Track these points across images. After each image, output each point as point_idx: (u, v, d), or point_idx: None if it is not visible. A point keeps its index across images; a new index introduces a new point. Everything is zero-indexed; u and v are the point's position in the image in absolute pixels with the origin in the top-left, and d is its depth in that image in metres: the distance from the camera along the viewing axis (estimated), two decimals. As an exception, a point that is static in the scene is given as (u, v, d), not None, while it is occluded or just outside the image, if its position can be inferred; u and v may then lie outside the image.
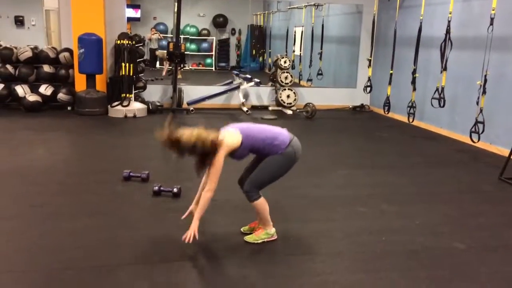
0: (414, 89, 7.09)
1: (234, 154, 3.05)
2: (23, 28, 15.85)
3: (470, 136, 5.92)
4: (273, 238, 3.26)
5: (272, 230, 3.26)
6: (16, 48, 8.03)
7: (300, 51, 11.41)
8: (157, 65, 14.98)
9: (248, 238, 3.25)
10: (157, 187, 4.05)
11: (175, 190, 4.04)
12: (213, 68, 15.86)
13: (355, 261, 3.07)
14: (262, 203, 3.17)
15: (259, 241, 3.22)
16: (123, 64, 7.68)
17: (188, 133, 2.97)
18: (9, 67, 7.84)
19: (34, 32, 15.43)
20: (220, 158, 2.96)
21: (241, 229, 3.39)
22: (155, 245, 3.16)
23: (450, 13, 6.29)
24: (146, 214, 3.68)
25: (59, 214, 3.61)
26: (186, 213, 3.33)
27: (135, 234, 3.30)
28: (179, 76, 10.87)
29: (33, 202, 3.84)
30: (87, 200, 3.95)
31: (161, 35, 14.61)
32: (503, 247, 3.37)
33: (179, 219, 3.53)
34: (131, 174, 4.44)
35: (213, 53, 15.97)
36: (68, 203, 3.86)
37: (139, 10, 15.05)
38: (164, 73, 11.83)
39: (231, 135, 3.03)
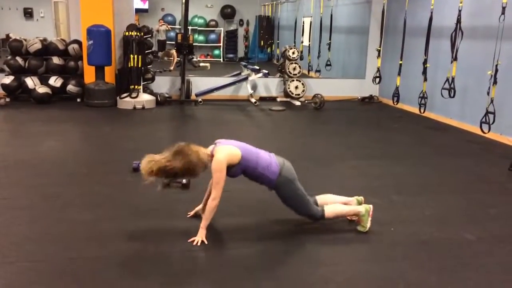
0: (425, 80, 7.03)
1: (229, 170, 3.07)
2: (32, 20, 15.93)
3: (481, 127, 5.87)
4: (371, 212, 3.30)
5: (361, 209, 3.30)
6: (25, 40, 8.07)
7: (309, 41, 11.35)
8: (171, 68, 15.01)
9: (360, 229, 3.30)
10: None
11: (184, 181, 4.04)
12: (221, 60, 15.86)
13: (364, 251, 3.08)
14: (329, 214, 3.28)
15: (368, 225, 3.28)
16: (131, 56, 7.70)
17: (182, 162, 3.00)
18: (19, 59, 7.88)
19: (43, 24, 15.51)
20: (222, 167, 3.01)
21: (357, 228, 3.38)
22: (166, 235, 3.18)
23: (461, 2, 6.22)
24: (156, 205, 3.70)
25: (70, 205, 3.64)
26: (192, 212, 3.41)
27: (146, 224, 3.33)
28: (208, 67, 10.89)
29: (45, 192, 3.88)
30: (98, 190, 3.98)
31: (169, 26, 14.61)
32: (513, 238, 3.35)
33: (188, 210, 3.57)
34: (140, 165, 4.45)
35: (221, 44, 15.96)
36: (79, 193, 3.89)
37: (147, 1, 15.06)
38: (172, 67, 11.82)
39: (231, 150, 3.08)
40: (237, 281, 2.67)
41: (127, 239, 3.10)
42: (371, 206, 3.34)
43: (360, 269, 2.84)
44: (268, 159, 3.20)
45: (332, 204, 3.35)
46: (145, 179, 2.99)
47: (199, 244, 3.01)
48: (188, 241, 3.03)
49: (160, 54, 13.47)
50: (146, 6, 15.04)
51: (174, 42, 13.41)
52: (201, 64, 12.05)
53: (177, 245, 3.04)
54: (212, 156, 3.05)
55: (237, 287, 2.62)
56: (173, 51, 11.89)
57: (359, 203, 3.45)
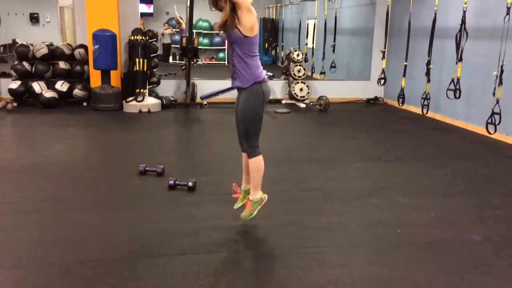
0: (429, 81, 7.03)
1: (235, 30, 3.01)
2: (38, 25, 16.03)
3: (487, 128, 5.86)
4: (264, 202, 3.27)
5: (260, 193, 3.26)
6: (32, 45, 8.13)
7: (313, 43, 11.36)
8: (170, 59, 15.06)
9: (243, 216, 3.26)
10: (172, 181, 4.10)
11: (190, 184, 4.07)
12: (226, 62, 15.88)
13: (371, 253, 3.08)
14: (259, 161, 3.21)
15: (254, 213, 3.24)
16: (137, 60, 7.75)
17: None
18: (25, 64, 7.95)
19: (49, 28, 15.59)
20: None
21: (234, 207, 3.40)
22: (172, 237, 3.20)
23: (465, 3, 6.21)
24: (162, 208, 3.72)
25: (77, 208, 3.67)
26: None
27: (152, 227, 3.35)
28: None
29: (53, 196, 3.91)
30: (105, 194, 4.01)
31: (173, 30, 14.66)
32: (520, 239, 3.34)
33: (194, 212, 3.59)
34: (146, 168, 4.49)
35: (226, 47, 15.98)
36: (86, 197, 3.92)
37: (152, 5, 15.13)
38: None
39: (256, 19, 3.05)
40: (243, 284, 2.68)
41: (135, 242, 3.12)
42: (266, 195, 3.29)
43: (367, 271, 2.84)
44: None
45: (263, 163, 3.25)
46: None
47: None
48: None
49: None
50: (151, 10, 15.12)
51: (177, 46, 13.47)
52: None
53: (185, 247, 3.06)
54: None
55: (244, 290, 2.63)
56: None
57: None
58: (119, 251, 3.00)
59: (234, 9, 3.00)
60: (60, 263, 2.84)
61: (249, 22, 2.99)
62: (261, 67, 3.18)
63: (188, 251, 3.02)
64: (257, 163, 3.21)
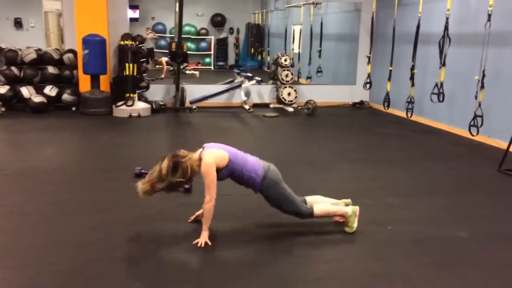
0: (413, 85, 7.24)
1: (217, 173, 3.20)
2: (22, 30, 15.92)
3: (469, 130, 6.08)
4: (358, 212, 3.43)
5: (348, 210, 3.41)
6: (20, 50, 8.14)
7: (299, 49, 11.55)
8: (162, 76, 15.09)
9: (347, 231, 3.41)
10: (169, 183, 4.18)
11: (186, 186, 4.16)
12: (212, 67, 16.00)
13: (364, 249, 3.22)
14: (317, 213, 3.39)
15: (355, 225, 3.40)
16: (127, 65, 7.81)
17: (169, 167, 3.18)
18: (14, 69, 7.95)
19: (33, 33, 15.50)
20: (212, 170, 3.14)
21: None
22: (173, 237, 3.30)
23: (448, 10, 6.44)
24: (161, 209, 3.81)
25: (77, 210, 3.74)
26: (193, 217, 3.52)
27: (153, 227, 3.45)
28: (197, 75, 10.88)
29: (50, 199, 3.97)
30: (102, 196, 4.09)
31: (156, 34, 14.74)
32: (504, 235, 3.52)
33: (191, 213, 3.69)
34: (142, 171, 4.57)
35: (212, 52, 16.11)
36: (84, 199, 3.99)
37: (138, 11, 15.17)
38: (163, 75, 11.76)
39: (219, 153, 3.22)
40: (243, 278, 2.79)
41: (137, 242, 3.22)
42: (357, 207, 3.47)
43: (362, 265, 2.98)
44: (255, 162, 3.33)
45: (321, 203, 3.47)
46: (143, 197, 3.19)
47: (202, 245, 3.13)
48: (193, 243, 3.15)
49: (149, 65, 13.39)
50: (136, 15, 15.15)
51: (163, 51, 13.51)
52: (187, 72, 11.92)
53: (182, 246, 3.17)
54: (200, 160, 3.18)
55: (243, 285, 2.74)
56: (162, 59, 11.92)
57: (346, 205, 3.56)
58: (122, 250, 3.09)
59: None
60: (65, 262, 2.91)
61: (213, 174, 3.16)
62: (257, 165, 3.30)
63: (190, 249, 3.12)
64: (320, 216, 3.42)
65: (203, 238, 3.17)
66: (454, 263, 3.05)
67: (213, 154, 3.19)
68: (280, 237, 3.34)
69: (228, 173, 3.24)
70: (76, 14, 7.88)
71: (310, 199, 3.52)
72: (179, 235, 3.33)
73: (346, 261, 3.03)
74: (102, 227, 3.43)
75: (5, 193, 4.11)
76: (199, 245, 3.13)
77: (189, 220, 3.52)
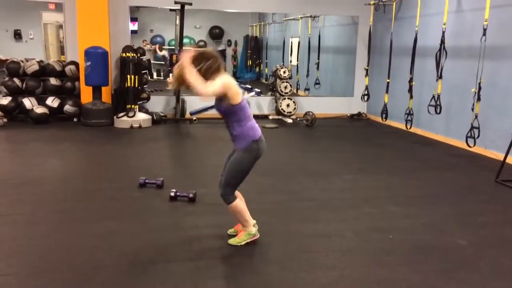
0: (411, 97, 7.37)
1: (222, 102, 3.15)
2: (21, 42, 16.02)
3: (466, 141, 6.20)
4: (255, 238, 3.40)
5: (253, 230, 3.40)
6: (22, 61, 8.23)
7: (297, 61, 11.70)
8: (155, 76, 15.23)
9: (231, 242, 3.40)
10: (173, 193, 4.26)
11: (190, 195, 4.24)
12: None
13: (367, 257, 3.30)
14: (237, 206, 3.32)
15: (242, 243, 3.37)
16: (128, 76, 7.91)
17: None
18: (16, 80, 8.03)
19: (32, 45, 15.59)
20: (226, 81, 3.08)
21: (228, 232, 3.54)
22: (180, 244, 3.37)
23: (444, 24, 6.60)
24: (166, 217, 3.89)
25: (83, 219, 3.81)
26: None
27: (160, 235, 3.51)
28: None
29: (57, 208, 4.04)
30: (108, 205, 4.15)
31: (153, 46, 14.89)
32: (502, 243, 3.61)
33: (197, 221, 3.77)
34: (146, 181, 4.65)
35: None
36: (90, 208, 4.05)
37: (136, 23, 15.31)
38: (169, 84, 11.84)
39: (238, 89, 3.18)
40: (247, 286, 2.86)
41: (146, 249, 3.28)
42: (258, 234, 3.42)
43: (365, 273, 3.05)
44: (258, 126, 3.33)
45: (243, 204, 3.40)
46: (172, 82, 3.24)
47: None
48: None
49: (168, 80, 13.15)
50: (135, 27, 15.28)
51: (161, 63, 13.62)
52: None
53: (186, 254, 3.24)
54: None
55: (253, 291, 2.82)
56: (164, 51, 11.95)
57: (253, 226, 3.46)
58: (131, 257, 3.15)
59: None
60: (75, 269, 2.98)
61: (231, 94, 3.12)
62: (256, 125, 3.29)
63: (196, 257, 3.19)
64: (235, 209, 3.33)
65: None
66: (454, 270, 3.13)
67: (234, 82, 3.16)
68: (282, 246, 3.41)
69: (233, 110, 3.17)
70: (79, 26, 8.00)
71: (239, 193, 3.43)
72: (184, 244, 3.39)
73: (348, 268, 3.10)
74: (108, 235, 3.49)
75: (13, 202, 4.17)
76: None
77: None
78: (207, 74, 3.10)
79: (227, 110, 3.19)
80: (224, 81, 3.09)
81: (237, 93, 3.15)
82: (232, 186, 3.31)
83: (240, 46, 16.67)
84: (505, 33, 6.11)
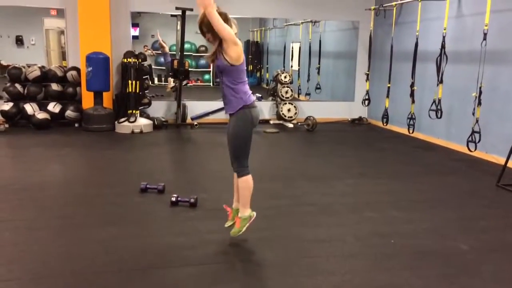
0: (413, 102, 7.38)
1: (224, 57, 3.19)
2: (23, 48, 16.08)
3: (467, 146, 6.19)
4: (253, 219, 3.44)
5: (248, 211, 3.43)
6: (24, 67, 8.26)
7: (298, 66, 11.72)
8: (156, 81, 15.27)
9: (233, 233, 3.43)
10: (174, 198, 4.26)
11: (192, 200, 4.25)
12: (211, 84, 16.15)
13: (368, 262, 3.29)
14: (248, 180, 3.39)
15: (243, 230, 3.41)
16: (129, 82, 7.93)
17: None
18: (18, 86, 8.06)
19: (34, 51, 15.66)
20: (233, 36, 3.15)
21: (225, 225, 3.58)
22: (181, 250, 3.36)
23: (444, 29, 6.61)
24: (168, 222, 3.89)
25: (85, 224, 3.81)
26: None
27: (161, 241, 3.51)
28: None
29: (58, 213, 4.04)
30: (109, 210, 4.15)
31: (153, 51, 14.94)
32: (504, 247, 3.60)
33: (198, 226, 3.76)
34: (147, 186, 4.65)
35: (211, 69, 16.27)
36: (91, 213, 4.06)
37: (138, 28, 15.37)
38: (168, 88, 11.81)
39: (242, 51, 3.25)
40: (254, 291, 2.87)
41: (146, 254, 3.27)
42: (254, 213, 3.47)
43: (367, 277, 3.05)
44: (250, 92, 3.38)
45: (251, 182, 3.43)
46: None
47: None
48: None
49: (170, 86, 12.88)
50: (137, 33, 15.34)
51: (161, 68, 13.63)
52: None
53: (189, 259, 3.23)
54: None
55: (254, 296, 2.81)
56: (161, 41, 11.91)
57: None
58: (132, 262, 3.15)
59: (221, 42, 3.21)
60: (77, 274, 2.97)
61: (235, 53, 3.21)
62: (250, 92, 3.36)
63: (196, 262, 3.19)
64: (246, 182, 3.40)
65: None
66: (456, 275, 3.13)
67: (239, 42, 3.21)
68: (283, 251, 3.41)
69: (229, 69, 3.23)
70: (80, 32, 8.03)
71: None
72: (186, 248, 3.39)
73: (351, 273, 3.09)
74: (111, 240, 3.49)
75: (14, 207, 4.17)
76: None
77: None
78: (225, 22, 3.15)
79: (226, 68, 3.24)
80: (236, 38, 3.18)
81: (241, 53, 3.24)
82: (242, 157, 3.38)
83: (241, 51, 16.71)
84: (505, 37, 6.12)
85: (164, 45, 11.24)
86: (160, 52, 15.04)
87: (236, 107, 3.31)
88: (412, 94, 7.38)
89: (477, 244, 3.63)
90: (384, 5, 8.36)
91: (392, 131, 8.60)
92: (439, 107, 6.76)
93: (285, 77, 9.31)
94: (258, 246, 3.45)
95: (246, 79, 3.37)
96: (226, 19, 3.20)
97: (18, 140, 7.09)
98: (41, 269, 3.03)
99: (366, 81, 8.89)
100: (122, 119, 7.92)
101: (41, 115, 7.81)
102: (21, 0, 8.23)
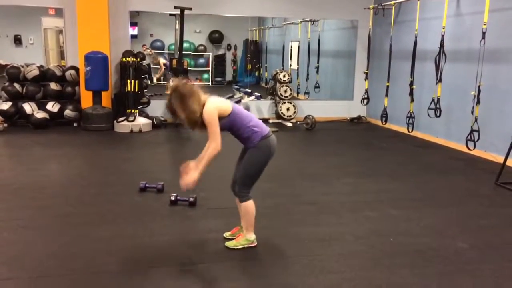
0: (412, 100, 7.38)
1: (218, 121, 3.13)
2: (21, 47, 16.06)
3: (466, 144, 6.20)
4: (253, 245, 3.39)
5: (253, 236, 3.40)
6: (23, 67, 8.25)
7: (297, 65, 11.71)
8: (155, 80, 15.27)
9: (228, 244, 3.40)
10: (174, 197, 4.26)
11: (191, 199, 4.25)
12: (210, 83, 16.14)
13: (367, 260, 3.29)
14: (250, 206, 3.34)
15: (239, 247, 3.37)
16: (128, 81, 7.92)
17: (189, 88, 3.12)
18: (16, 85, 8.04)
19: (32, 50, 15.62)
20: (214, 116, 3.08)
21: (224, 235, 3.55)
22: (181, 249, 3.37)
23: (443, 28, 6.61)
24: (167, 222, 3.89)
25: (84, 223, 3.81)
26: (184, 165, 3.36)
27: (160, 240, 3.51)
28: None
29: (57, 212, 4.04)
30: (109, 209, 4.15)
31: (152, 51, 14.92)
32: (503, 245, 3.61)
33: (197, 225, 3.76)
34: (147, 185, 4.65)
35: (210, 68, 16.27)
36: (91, 213, 4.05)
37: (136, 28, 15.35)
38: (158, 75, 11.64)
39: (223, 102, 3.20)
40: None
41: (146, 253, 3.28)
42: (256, 241, 3.41)
43: (365, 276, 3.05)
44: (262, 123, 3.31)
45: (253, 208, 3.38)
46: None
47: (189, 186, 3.14)
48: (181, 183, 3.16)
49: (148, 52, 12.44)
50: (135, 32, 15.32)
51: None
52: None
53: (193, 257, 3.24)
54: (203, 106, 3.11)
55: (253, 295, 2.81)
56: (160, 60, 11.91)
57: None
58: (131, 262, 3.15)
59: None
60: (76, 274, 2.97)
61: (213, 115, 3.09)
62: (260, 123, 3.28)
63: (197, 261, 3.19)
64: (247, 208, 3.35)
65: (192, 179, 3.15)
66: (455, 273, 3.13)
67: (215, 102, 3.14)
68: (283, 250, 3.41)
69: (229, 124, 3.18)
70: (79, 31, 8.02)
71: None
72: (185, 248, 3.39)
73: (350, 272, 3.10)
74: (110, 239, 3.49)
75: (13, 207, 4.17)
76: (184, 188, 3.13)
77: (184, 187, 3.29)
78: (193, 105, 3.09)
79: (225, 125, 3.19)
80: (211, 116, 3.08)
81: (224, 109, 3.15)
82: (248, 185, 3.34)
83: (240, 50, 16.70)
84: (504, 36, 6.13)
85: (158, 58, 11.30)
86: (160, 51, 15.10)
87: (256, 140, 3.23)
88: (411, 93, 7.38)
89: (477, 242, 3.63)
90: (383, 4, 8.36)
91: (391, 130, 8.60)
92: (438, 105, 6.77)
93: (284, 76, 9.31)
94: (258, 245, 3.44)
95: (251, 117, 3.27)
96: (192, 93, 3.10)
97: (16, 139, 7.08)
98: (40, 269, 3.03)
99: (365, 80, 8.89)
100: (121, 119, 7.91)
101: (39, 115, 7.80)
102: (20, -1, 8.22)
